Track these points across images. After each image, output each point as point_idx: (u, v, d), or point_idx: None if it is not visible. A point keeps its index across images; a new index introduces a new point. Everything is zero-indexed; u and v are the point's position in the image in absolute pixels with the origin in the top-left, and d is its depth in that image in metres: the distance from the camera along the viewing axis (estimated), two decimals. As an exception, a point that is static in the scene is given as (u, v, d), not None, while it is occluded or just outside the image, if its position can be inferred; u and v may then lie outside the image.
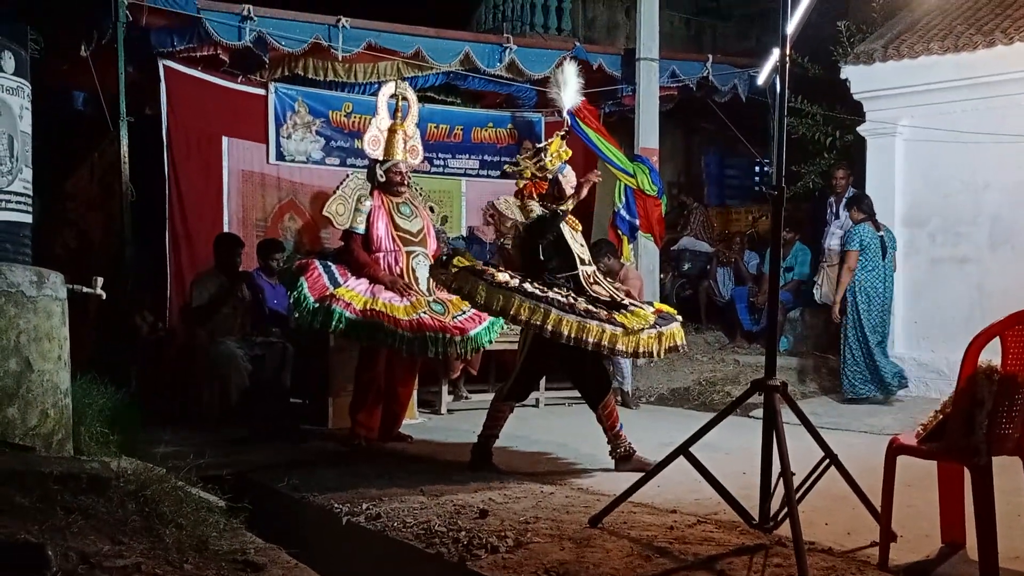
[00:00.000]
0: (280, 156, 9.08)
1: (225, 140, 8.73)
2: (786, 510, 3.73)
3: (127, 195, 7.81)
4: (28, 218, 4.97)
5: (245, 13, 7.96)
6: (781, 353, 9.17)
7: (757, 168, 12.88)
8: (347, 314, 6.02)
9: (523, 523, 4.29)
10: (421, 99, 9.92)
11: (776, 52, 4.28)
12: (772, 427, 3.90)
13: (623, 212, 9.66)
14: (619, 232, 9.64)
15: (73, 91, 8.85)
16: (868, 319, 8.24)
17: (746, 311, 10.41)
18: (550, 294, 5.28)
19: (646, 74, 9.72)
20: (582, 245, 5.90)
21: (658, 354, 5.46)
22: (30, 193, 4.98)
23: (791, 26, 4.08)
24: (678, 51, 10.99)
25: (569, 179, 5.87)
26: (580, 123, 9.66)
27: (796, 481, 3.82)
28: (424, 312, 6.27)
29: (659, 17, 9.85)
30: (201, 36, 7.90)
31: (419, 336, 6.13)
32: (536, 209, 5.75)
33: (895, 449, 3.79)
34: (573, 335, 5.11)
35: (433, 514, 4.47)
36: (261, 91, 8.97)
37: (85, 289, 4.99)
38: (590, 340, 5.14)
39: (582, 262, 5.73)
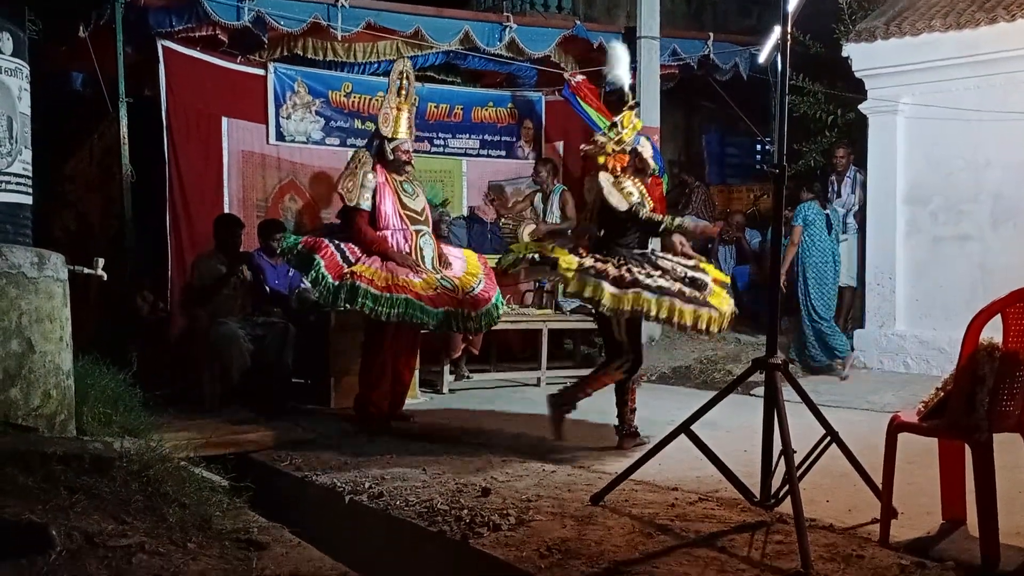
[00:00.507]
0: (280, 136, 9.05)
1: (225, 120, 8.68)
2: (787, 487, 3.74)
3: (127, 176, 7.80)
4: (28, 199, 4.97)
5: (244, -7, 7.92)
6: (783, 331, 9.18)
7: (758, 146, 12.85)
8: (371, 290, 6.00)
9: (525, 501, 4.31)
10: (421, 78, 9.92)
11: (777, 30, 4.26)
12: (773, 405, 3.92)
13: (624, 191, 9.63)
14: (620, 211, 9.61)
15: (72, 72, 8.80)
16: (817, 294, 8.69)
17: (747, 289, 10.40)
18: (641, 278, 5.36)
19: (647, 52, 9.68)
20: None
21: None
22: (30, 174, 4.98)
23: (792, 4, 4.07)
24: (679, 29, 10.93)
25: (647, 150, 5.96)
26: (581, 102, 9.65)
27: (797, 459, 3.83)
28: (438, 289, 6.26)
29: (659, -5, 9.81)
30: (200, 16, 7.85)
31: (442, 311, 6.18)
32: (635, 193, 5.75)
33: (896, 426, 3.80)
34: (664, 316, 5.29)
35: (435, 492, 4.49)
36: (260, 71, 8.93)
37: (86, 270, 5.00)
38: (687, 323, 5.29)
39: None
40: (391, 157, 6.58)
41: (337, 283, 6.02)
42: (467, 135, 10.07)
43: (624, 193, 5.72)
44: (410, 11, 8.90)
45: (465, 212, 9.93)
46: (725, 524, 3.97)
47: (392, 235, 6.45)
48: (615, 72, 6.25)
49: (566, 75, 9.74)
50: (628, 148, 5.92)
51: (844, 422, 6.20)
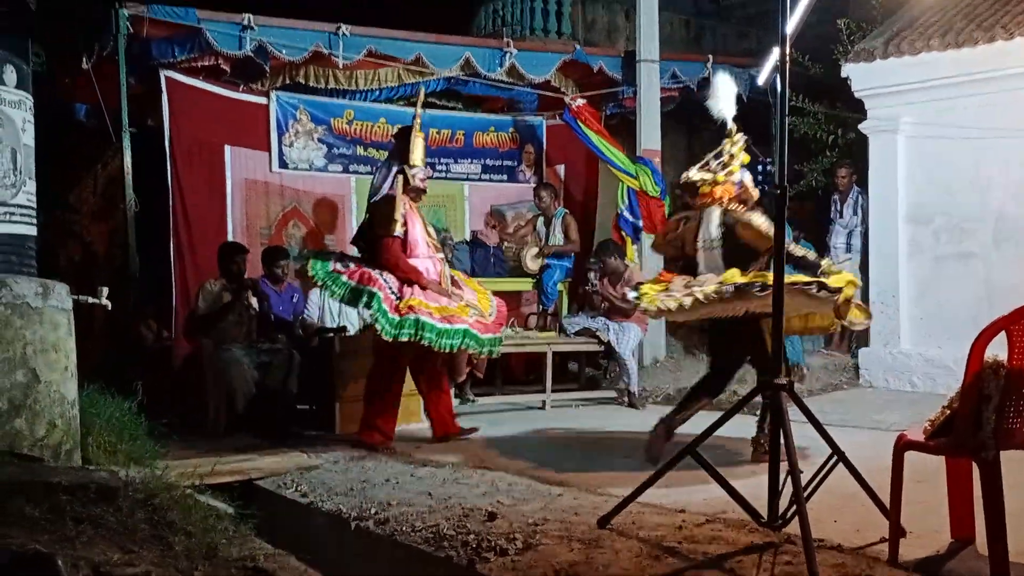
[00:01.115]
0: (283, 164, 9.10)
1: (228, 149, 8.74)
2: (795, 508, 3.73)
3: (131, 206, 7.84)
4: (33, 230, 5.00)
5: (245, 22, 7.98)
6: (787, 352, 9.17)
7: (760, 167, 12.85)
8: (436, 324, 6.13)
9: (532, 525, 4.29)
10: (422, 104, 9.99)
11: (776, 51, 4.27)
12: (779, 425, 3.90)
13: (626, 213, 9.67)
14: (623, 233, 9.65)
15: (76, 103, 8.86)
16: None
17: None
18: None
19: (647, 76, 9.74)
20: None
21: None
22: (34, 205, 5.01)
23: (791, 25, 4.08)
24: (678, 52, 11.01)
25: (748, 178, 6.02)
26: (581, 125, 9.69)
27: (804, 479, 3.81)
28: (473, 315, 6.40)
29: (659, 19, 9.88)
30: (202, 46, 7.92)
31: (487, 338, 6.40)
32: (763, 221, 5.67)
33: (903, 445, 3.78)
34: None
35: (441, 517, 4.47)
36: (263, 100, 8.99)
37: (91, 300, 5.02)
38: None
39: None
40: (412, 183, 6.60)
41: (398, 318, 6.08)
42: (469, 160, 10.13)
43: (745, 221, 5.74)
44: (411, 38, 8.96)
45: (468, 236, 9.96)
46: (733, 545, 3.95)
47: (422, 262, 6.50)
48: (719, 105, 6.17)
49: (567, 99, 9.79)
50: (736, 179, 5.93)
51: (850, 442, 6.17)
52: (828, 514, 4.32)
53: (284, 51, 8.30)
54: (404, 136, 6.71)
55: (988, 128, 8.01)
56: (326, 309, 7.96)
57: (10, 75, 4.83)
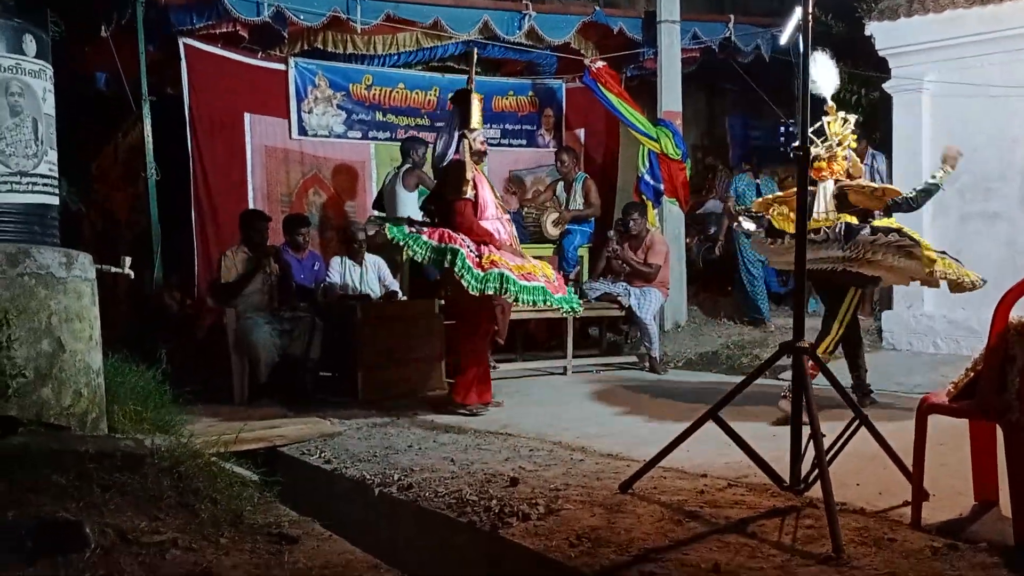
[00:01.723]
0: (302, 131, 9.09)
1: (247, 116, 8.74)
2: (817, 472, 3.72)
3: (152, 175, 7.86)
4: (55, 200, 5.02)
5: (263, -12, 7.95)
6: (809, 314, 9.12)
7: (782, 129, 12.73)
8: (517, 280, 6.15)
9: (554, 490, 4.31)
10: (441, 69, 9.94)
11: (798, 10, 4.22)
12: (801, 389, 3.89)
13: (647, 177, 9.61)
14: (644, 197, 9.60)
15: (95, 72, 8.87)
16: (750, 258, 9.81)
17: (773, 273, 10.35)
18: None
19: (667, 37, 9.63)
20: None
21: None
22: (56, 175, 5.02)
23: (813, -16, 4.03)
24: (699, 12, 10.84)
25: (853, 156, 6.32)
26: (601, 88, 9.62)
27: (826, 442, 3.80)
28: (540, 276, 6.41)
29: (679, -22, 9.75)
30: (220, 13, 7.89)
31: (559, 298, 6.41)
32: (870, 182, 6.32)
33: (926, 408, 3.77)
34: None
35: (464, 483, 4.50)
36: (281, 66, 8.97)
37: (113, 269, 5.04)
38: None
39: None
40: (473, 147, 6.60)
41: (482, 272, 6.11)
42: (488, 125, 10.04)
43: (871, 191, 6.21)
44: (429, 1, 8.90)
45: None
46: (755, 509, 3.95)
47: (491, 223, 6.52)
48: (818, 83, 6.18)
49: (586, 62, 9.71)
50: (846, 154, 6.22)
51: (873, 405, 6.20)
52: (850, 477, 4.31)
53: (302, 16, 8.26)
54: (463, 100, 6.68)
55: (1013, 86, 7.89)
56: (347, 277, 7.97)
57: (30, 45, 4.83)
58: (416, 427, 6.10)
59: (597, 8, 10.01)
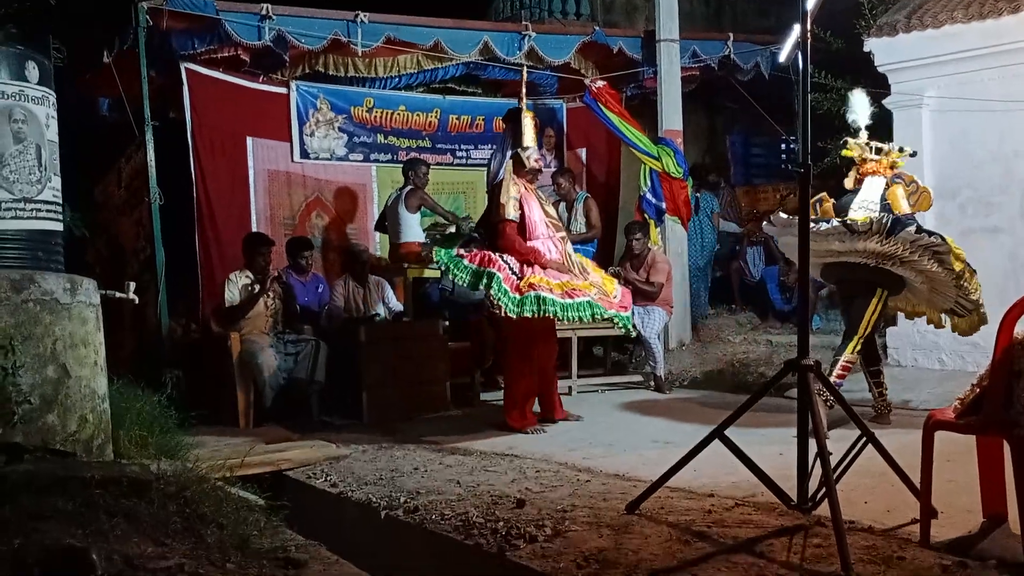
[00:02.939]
0: (304, 154, 9.12)
1: (249, 140, 8.77)
2: (824, 490, 3.71)
3: (155, 199, 7.88)
4: (59, 226, 5.03)
5: (264, 12, 7.98)
6: (814, 332, 9.11)
7: (783, 146, 12.78)
8: (557, 299, 6.12)
9: (560, 511, 4.30)
10: (442, 90, 9.98)
11: (797, 28, 4.24)
12: (807, 406, 3.88)
13: (649, 196, 9.62)
14: (646, 216, 9.61)
15: (98, 98, 8.92)
16: (693, 266, 10.14)
17: (777, 290, 10.36)
18: None
19: (667, 55, 9.67)
20: None
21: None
22: (60, 201, 5.04)
23: (811, 2, 4.04)
24: (698, 31, 10.91)
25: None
26: (602, 107, 9.64)
27: (833, 460, 3.79)
28: (596, 293, 6.38)
29: (678, -3, 9.79)
30: (221, 37, 7.94)
31: (613, 313, 6.40)
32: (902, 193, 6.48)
33: (933, 424, 3.76)
34: None
35: (470, 505, 4.49)
36: (283, 90, 9.01)
37: (118, 294, 5.04)
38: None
39: None
40: (527, 166, 6.61)
41: (519, 296, 6.09)
42: (489, 145, 10.10)
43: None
44: (429, 24, 8.94)
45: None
46: (763, 529, 3.94)
47: (542, 243, 6.48)
48: (855, 118, 6.65)
49: (587, 81, 9.74)
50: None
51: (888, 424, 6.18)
52: (858, 495, 4.30)
53: (303, 40, 8.31)
54: (515, 119, 6.74)
55: (1014, 100, 7.90)
56: (351, 298, 7.98)
57: (32, 71, 4.85)
58: (422, 449, 6.09)
59: (596, 28, 10.06)
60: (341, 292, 7.98)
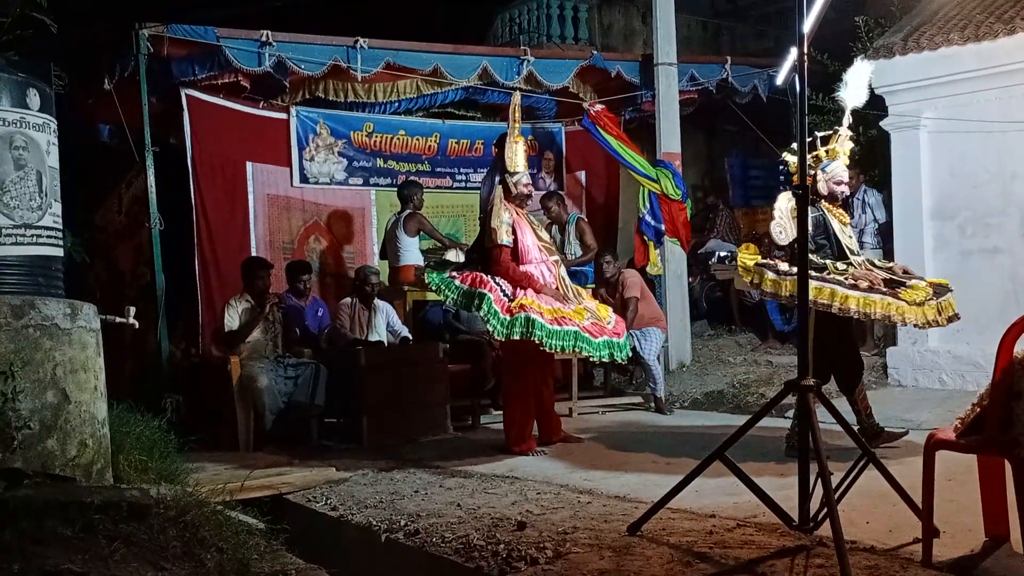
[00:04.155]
0: (304, 179, 9.15)
1: (249, 165, 8.81)
2: (826, 510, 3.70)
3: (156, 224, 7.89)
4: (59, 252, 5.04)
5: (264, 39, 8.02)
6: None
7: (781, 167, 12.81)
8: (545, 324, 6.01)
9: (561, 533, 4.29)
10: (441, 115, 10.02)
11: (794, 51, 4.27)
12: (807, 427, 3.88)
13: (648, 218, 9.65)
14: (645, 238, 9.63)
15: (99, 124, 8.95)
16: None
17: (777, 311, 10.35)
18: (831, 275, 5.78)
19: (665, 79, 9.72)
20: (850, 237, 6.29)
21: (940, 323, 5.93)
22: (60, 227, 5.05)
23: (808, 24, 4.08)
24: (696, 54, 10.99)
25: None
26: (601, 131, 9.68)
27: (834, 480, 3.79)
28: (589, 319, 6.29)
29: (676, 21, 9.86)
30: (222, 64, 7.98)
31: (603, 342, 6.22)
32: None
33: (934, 444, 3.76)
34: (860, 309, 5.60)
35: (471, 528, 4.47)
36: (283, 115, 9.05)
37: (118, 319, 5.04)
38: (877, 312, 5.64)
39: (852, 252, 6.13)
40: (514, 191, 6.56)
41: (509, 317, 6.03)
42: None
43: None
44: (428, 49, 8.99)
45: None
46: (764, 549, 3.93)
47: (536, 267, 6.45)
48: (849, 93, 6.46)
49: (585, 105, 9.78)
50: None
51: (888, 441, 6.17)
52: (860, 515, 4.29)
53: (303, 66, 8.35)
54: (502, 144, 6.69)
55: (1011, 121, 7.94)
56: (356, 320, 7.93)
57: (33, 98, 4.87)
58: (422, 472, 6.08)
59: (595, 52, 10.12)
60: (347, 313, 7.90)
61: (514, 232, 6.43)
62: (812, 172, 6.11)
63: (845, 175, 6.27)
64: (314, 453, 6.83)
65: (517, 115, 6.74)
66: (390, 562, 4.47)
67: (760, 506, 4.12)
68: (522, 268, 6.38)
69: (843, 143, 6.27)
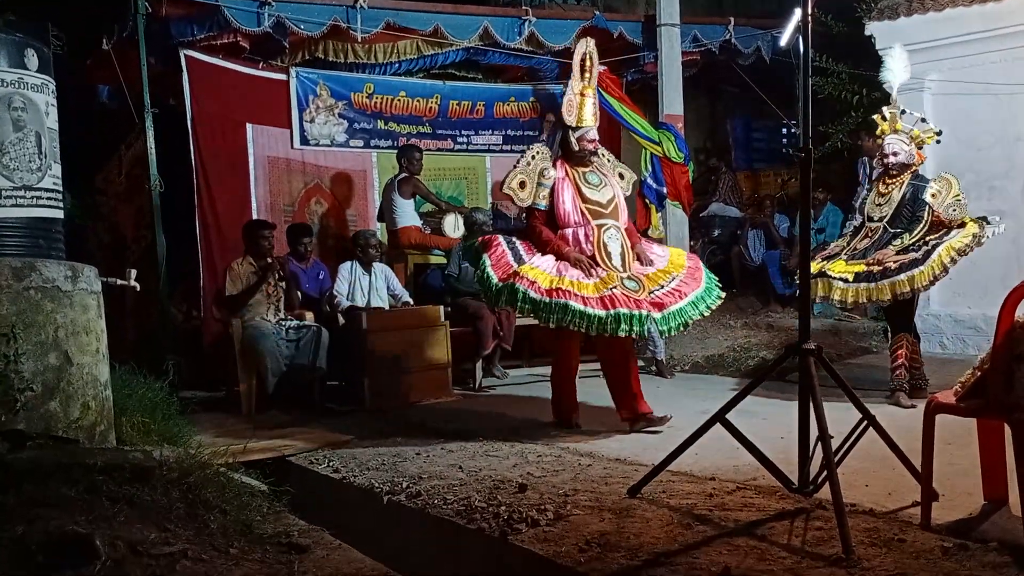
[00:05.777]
0: (304, 140, 9.10)
1: (249, 127, 8.75)
2: (825, 473, 3.72)
3: (156, 186, 7.87)
4: (60, 214, 5.04)
5: (263, -1, 7.96)
6: (815, 316, 9.12)
7: (784, 130, 12.76)
8: (531, 293, 5.63)
9: (562, 496, 4.31)
10: (442, 76, 9.95)
11: (798, 12, 4.22)
12: (808, 390, 3.89)
13: (650, 180, 9.60)
14: (647, 201, 9.59)
15: (98, 85, 8.90)
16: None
17: (778, 275, 10.35)
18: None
19: (667, 40, 9.63)
20: (879, 206, 6.82)
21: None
22: (60, 189, 5.04)
23: (813, -15, 4.03)
24: (699, 15, 10.85)
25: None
26: (602, 92, 9.58)
27: (834, 444, 3.80)
28: (615, 288, 5.75)
29: (679, -18, 9.75)
30: (220, 24, 7.91)
31: (611, 314, 5.61)
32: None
33: (934, 408, 3.76)
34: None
35: (472, 490, 4.50)
36: (282, 76, 8.98)
37: (119, 282, 5.05)
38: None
39: (871, 220, 6.80)
40: (576, 148, 6.13)
41: (500, 284, 5.74)
42: (490, 131, 10.08)
43: None
44: (429, 9, 8.91)
45: (489, 208, 9.94)
46: (764, 512, 3.95)
47: (572, 232, 6.03)
48: (891, 77, 7.02)
49: (587, 66, 9.68)
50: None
51: (881, 405, 6.19)
52: (859, 479, 4.31)
53: (302, 26, 8.28)
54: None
55: (1016, 84, 7.88)
56: (356, 283, 7.92)
57: (32, 59, 4.85)
58: (424, 435, 6.10)
59: (597, 13, 10.01)
60: (347, 277, 7.88)
61: (553, 195, 6.07)
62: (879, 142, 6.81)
63: (899, 146, 6.73)
64: (316, 416, 6.85)
65: (588, 64, 6.29)
66: (392, 523, 4.50)
67: (760, 469, 4.14)
68: (560, 232, 6.05)
69: (894, 120, 6.72)
